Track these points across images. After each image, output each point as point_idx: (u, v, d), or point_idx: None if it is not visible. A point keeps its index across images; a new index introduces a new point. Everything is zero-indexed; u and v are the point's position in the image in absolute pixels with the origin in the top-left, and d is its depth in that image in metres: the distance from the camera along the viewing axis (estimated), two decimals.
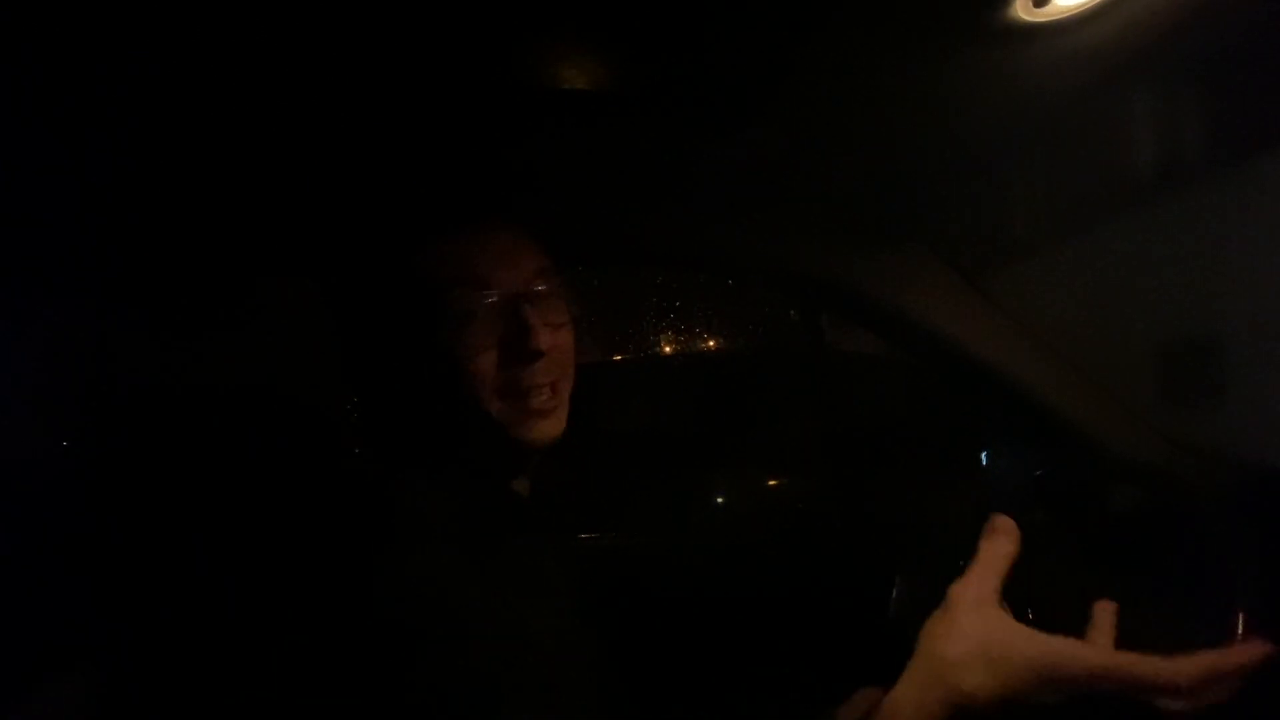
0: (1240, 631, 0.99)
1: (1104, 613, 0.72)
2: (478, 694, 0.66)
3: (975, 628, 0.54)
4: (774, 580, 1.74)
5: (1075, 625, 0.69)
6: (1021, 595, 0.73)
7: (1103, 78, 0.80)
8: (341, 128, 0.84)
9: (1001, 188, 1.27)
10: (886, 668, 1.05)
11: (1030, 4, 0.64)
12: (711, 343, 2.92)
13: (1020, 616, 0.65)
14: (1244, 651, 0.44)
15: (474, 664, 0.67)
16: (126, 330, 1.37)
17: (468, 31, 0.68)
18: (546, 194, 1.03)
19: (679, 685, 1.50)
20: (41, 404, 1.39)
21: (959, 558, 1.30)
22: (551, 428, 0.84)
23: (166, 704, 0.91)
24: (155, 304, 1.31)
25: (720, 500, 2.37)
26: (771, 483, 2.40)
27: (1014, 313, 1.19)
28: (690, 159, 0.96)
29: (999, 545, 0.61)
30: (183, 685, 0.91)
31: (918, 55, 0.74)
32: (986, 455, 1.56)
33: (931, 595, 1.17)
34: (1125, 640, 0.68)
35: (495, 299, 0.80)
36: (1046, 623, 0.64)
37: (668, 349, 2.84)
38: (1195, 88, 1.03)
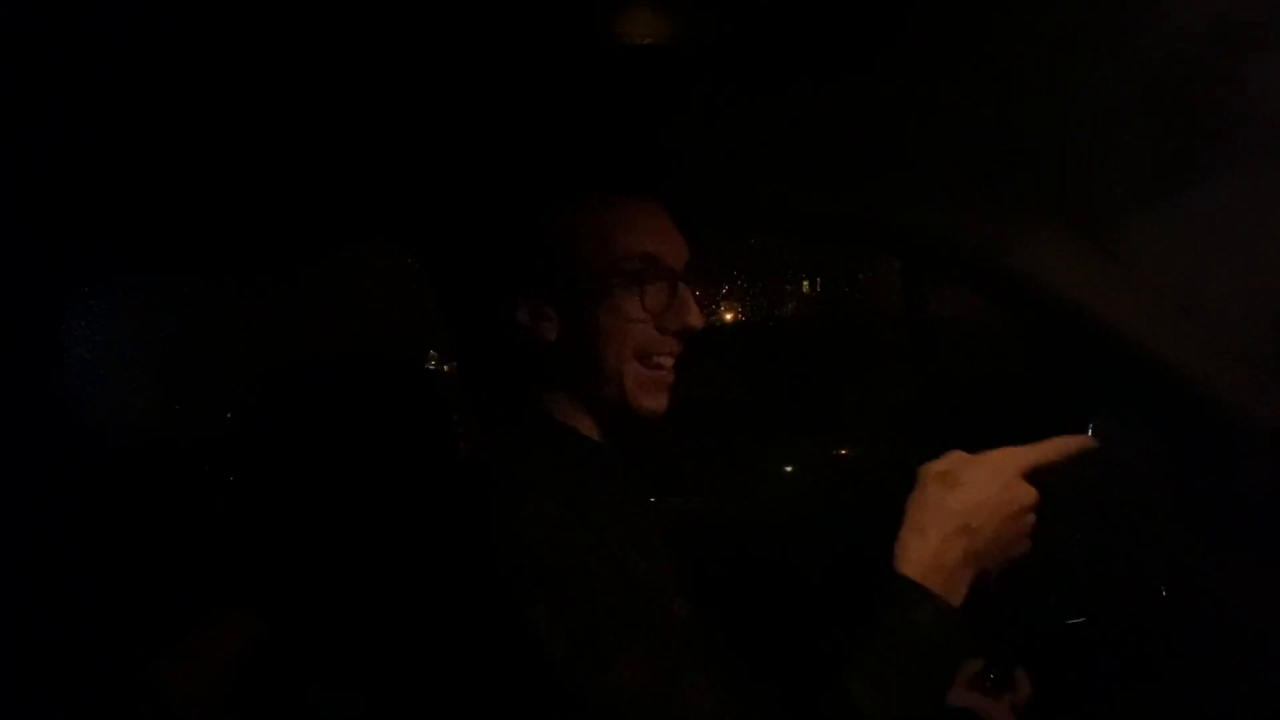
0: None
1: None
2: (592, 634, 0.68)
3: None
4: (872, 548, 1.72)
5: None
6: None
7: (1233, 29, 0.75)
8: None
9: (1124, 137, 1.18)
10: (980, 632, 1.03)
11: None
12: (804, 309, 2.86)
13: None
14: None
15: (586, 608, 0.69)
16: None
17: None
18: (683, 165, 1.04)
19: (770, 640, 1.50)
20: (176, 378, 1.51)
21: (1061, 528, 1.25)
22: (663, 402, 0.88)
23: (312, 642, 1.00)
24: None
25: (815, 469, 2.35)
26: (868, 450, 2.36)
27: (1137, 269, 1.12)
28: (800, 116, 0.94)
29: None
30: (325, 625, 1.00)
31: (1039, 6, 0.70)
32: (1092, 425, 1.48)
33: (1029, 563, 1.13)
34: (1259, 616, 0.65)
35: (663, 272, 0.85)
36: None
37: (757, 315, 2.78)
38: None
